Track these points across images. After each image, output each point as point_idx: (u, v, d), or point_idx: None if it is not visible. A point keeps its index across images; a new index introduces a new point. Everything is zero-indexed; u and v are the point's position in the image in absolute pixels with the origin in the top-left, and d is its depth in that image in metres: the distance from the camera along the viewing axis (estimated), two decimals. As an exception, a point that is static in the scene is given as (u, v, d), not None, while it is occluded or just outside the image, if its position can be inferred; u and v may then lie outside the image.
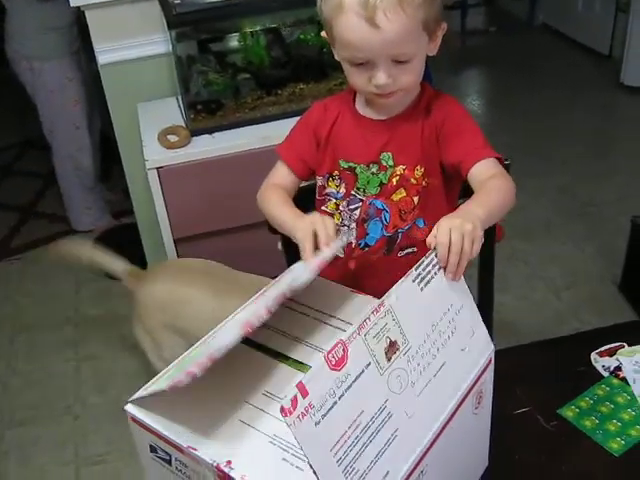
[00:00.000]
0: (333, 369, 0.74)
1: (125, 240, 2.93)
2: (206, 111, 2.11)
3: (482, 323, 0.97)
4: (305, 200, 1.35)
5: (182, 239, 2.16)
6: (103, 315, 2.79)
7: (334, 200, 1.34)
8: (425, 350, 0.86)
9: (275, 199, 1.31)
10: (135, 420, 0.92)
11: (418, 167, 1.26)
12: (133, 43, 2.30)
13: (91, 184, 3.14)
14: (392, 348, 0.81)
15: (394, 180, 1.27)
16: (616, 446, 1.11)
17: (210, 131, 2.12)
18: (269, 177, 1.38)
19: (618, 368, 1.24)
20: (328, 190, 1.34)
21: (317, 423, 0.72)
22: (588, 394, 1.21)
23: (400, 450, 0.83)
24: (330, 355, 0.74)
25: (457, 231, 0.94)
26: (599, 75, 4.22)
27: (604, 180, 3.28)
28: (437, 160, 1.26)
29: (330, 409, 0.73)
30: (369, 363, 0.78)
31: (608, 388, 1.21)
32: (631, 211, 2.62)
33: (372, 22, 1.10)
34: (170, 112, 2.26)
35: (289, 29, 2.14)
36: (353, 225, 1.32)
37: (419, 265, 0.87)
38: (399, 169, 1.27)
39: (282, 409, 0.69)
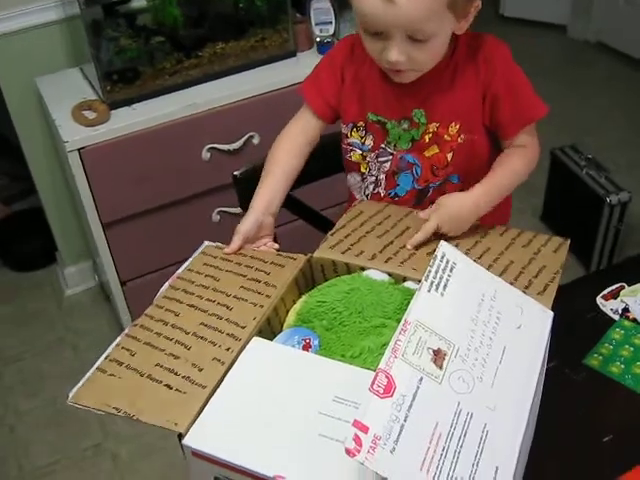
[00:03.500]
0: (384, 397, 0.73)
1: (26, 228, 2.70)
2: (123, 81, 1.92)
3: (527, 297, 0.95)
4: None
5: (111, 222, 1.98)
6: (13, 312, 2.56)
7: (359, 151, 1.26)
8: (476, 344, 0.84)
9: (272, 164, 1.25)
10: (197, 454, 0.81)
11: (453, 124, 1.19)
12: (21, 11, 2.04)
13: (-27, 171, 2.85)
14: (438, 356, 0.80)
15: (426, 137, 1.21)
16: (648, 389, 1.12)
17: (129, 102, 1.93)
18: (294, 118, 1.30)
19: (626, 309, 1.25)
20: (351, 140, 1.26)
21: (392, 450, 0.71)
22: (606, 340, 1.21)
23: (501, 443, 0.79)
24: (375, 386, 0.73)
25: (445, 228, 1.09)
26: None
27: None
28: (478, 115, 1.19)
29: (400, 433, 0.72)
30: (421, 378, 0.77)
31: (623, 331, 1.22)
32: (539, 142, 2.67)
33: None
34: (75, 85, 2.05)
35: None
36: (382, 176, 1.26)
37: (427, 275, 0.85)
38: (432, 126, 1.20)
39: (347, 451, 0.68)
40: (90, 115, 1.88)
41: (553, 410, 1.09)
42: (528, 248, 1.08)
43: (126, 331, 0.99)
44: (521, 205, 2.76)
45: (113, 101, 1.91)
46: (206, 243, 1.16)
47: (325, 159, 1.33)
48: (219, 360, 0.91)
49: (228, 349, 0.92)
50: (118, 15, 1.90)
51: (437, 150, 1.21)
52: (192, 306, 1.01)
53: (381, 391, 0.73)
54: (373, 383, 0.73)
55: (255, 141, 2.04)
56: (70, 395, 0.90)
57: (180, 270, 1.10)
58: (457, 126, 1.19)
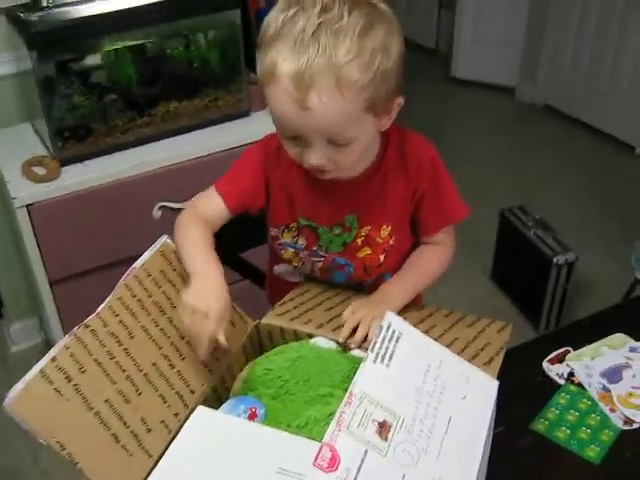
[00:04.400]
0: (329, 471, 0.73)
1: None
2: (74, 138, 1.91)
3: (472, 367, 0.96)
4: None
5: (59, 280, 1.95)
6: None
7: (291, 249, 1.24)
8: (421, 415, 0.84)
9: (192, 241, 1.12)
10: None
11: (384, 226, 1.19)
12: (-27, 65, 2.04)
13: None
14: (383, 428, 0.80)
15: (359, 240, 1.20)
16: (593, 454, 1.13)
17: (81, 159, 1.92)
18: (197, 202, 1.21)
19: (571, 374, 1.27)
20: (282, 240, 1.24)
21: None
22: (552, 405, 1.22)
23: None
24: (319, 460, 0.73)
25: (365, 324, 1.07)
26: (429, 69, 4.39)
27: (454, 173, 3.40)
28: (408, 216, 1.21)
29: None
30: (366, 450, 0.77)
31: (568, 396, 1.23)
32: (487, 202, 2.74)
33: (302, 104, 0.95)
34: (26, 140, 2.04)
35: (156, 44, 1.99)
36: (316, 271, 1.25)
37: (373, 347, 0.86)
38: (364, 230, 1.19)
39: None
40: (40, 171, 1.87)
41: (500, 475, 1.09)
42: (472, 328, 1.10)
43: (75, 330, 0.94)
44: (471, 264, 2.80)
45: (64, 157, 1.90)
46: (164, 239, 1.12)
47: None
48: (166, 426, 0.90)
49: (176, 414, 0.92)
50: (71, 72, 1.89)
51: (369, 251, 1.21)
52: (146, 330, 0.99)
53: (325, 465, 0.73)
54: (317, 458, 0.73)
55: (208, 199, 2.04)
56: (8, 398, 0.84)
57: (137, 264, 1.06)
58: (389, 228, 1.19)
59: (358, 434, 0.77)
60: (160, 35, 1.98)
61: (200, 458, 0.86)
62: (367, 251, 1.21)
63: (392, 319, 0.90)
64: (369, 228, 1.19)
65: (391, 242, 1.21)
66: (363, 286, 1.26)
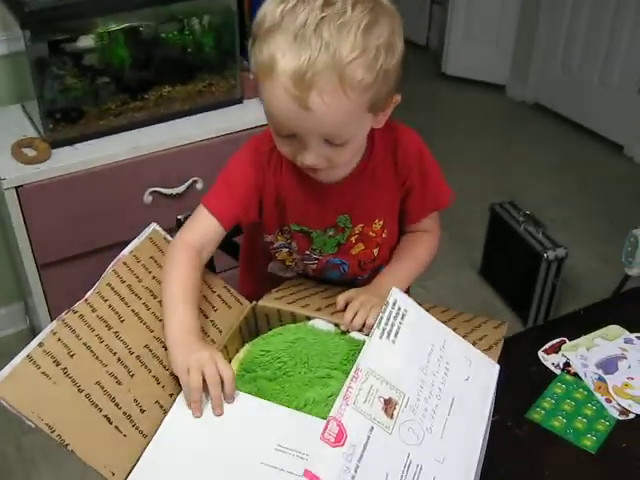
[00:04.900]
0: (335, 446, 0.72)
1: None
2: (66, 120, 1.88)
3: (475, 349, 0.96)
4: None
5: (47, 264, 1.92)
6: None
7: (286, 249, 1.22)
8: (426, 394, 0.84)
9: (179, 288, 1.00)
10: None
11: (377, 221, 1.18)
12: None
13: None
14: (389, 405, 0.80)
15: (353, 239, 1.18)
16: (589, 443, 1.12)
17: (71, 142, 1.90)
18: (188, 229, 1.11)
19: (567, 364, 1.26)
20: (277, 244, 1.21)
21: None
22: (548, 394, 1.21)
23: (449, 495, 0.78)
24: (326, 434, 0.72)
25: (362, 313, 1.04)
26: (420, 66, 4.38)
27: (444, 169, 3.40)
28: (397, 208, 1.20)
29: None
30: (372, 427, 0.76)
31: (564, 385, 1.23)
32: (477, 198, 2.74)
33: (303, 103, 0.89)
34: (16, 122, 2.01)
35: (151, 27, 1.97)
36: (309, 271, 1.24)
37: (379, 322, 0.85)
38: (357, 228, 1.18)
39: None
40: (30, 153, 1.84)
41: (496, 464, 1.08)
42: (470, 323, 1.10)
43: (63, 316, 0.92)
44: (460, 259, 2.80)
45: (55, 140, 1.87)
46: (154, 227, 1.10)
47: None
48: (161, 406, 0.88)
49: (171, 395, 0.90)
50: (64, 53, 1.87)
51: (363, 247, 1.19)
52: (137, 314, 0.98)
53: (332, 440, 0.72)
54: (324, 431, 0.72)
55: (199, 186, 2.02)
56: None
57: (125, 251, 1.04)
58: (381, 222, 1.18)
59: (365, 410, 0.76)
60: (154, 18, 1.95)
61: (194, 436, 0.85)
62: (361, 247, 1.20)
63: (397, 296, 0.89)
64: (362, 225, 1.18)
65: (384, 235, 1.20)
66: (358, 282, 1.24)
